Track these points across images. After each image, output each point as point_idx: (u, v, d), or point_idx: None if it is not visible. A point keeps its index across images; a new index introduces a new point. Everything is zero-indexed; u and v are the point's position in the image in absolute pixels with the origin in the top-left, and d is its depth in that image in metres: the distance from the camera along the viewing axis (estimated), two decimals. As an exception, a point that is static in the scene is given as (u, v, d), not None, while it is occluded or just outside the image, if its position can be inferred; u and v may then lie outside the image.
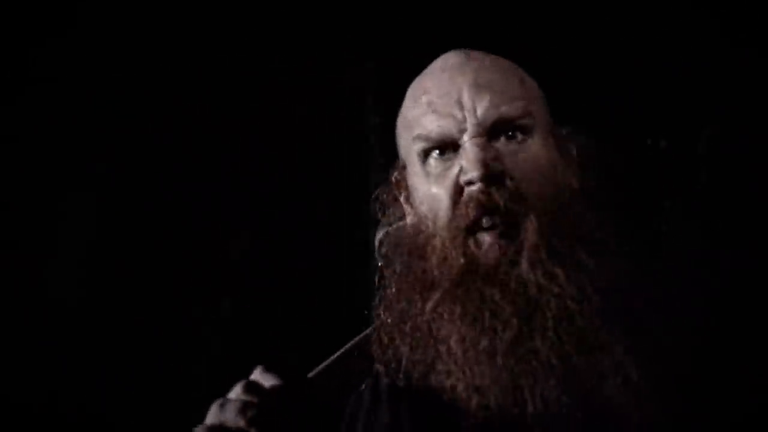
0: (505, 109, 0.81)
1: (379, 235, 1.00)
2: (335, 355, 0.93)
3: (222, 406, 0.81)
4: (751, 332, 0.82)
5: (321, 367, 0.92)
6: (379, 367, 0.84)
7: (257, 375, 0.84)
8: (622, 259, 0.81)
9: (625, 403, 0.73)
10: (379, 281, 0.89)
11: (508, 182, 0.79)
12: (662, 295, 0.81)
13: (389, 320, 0.83)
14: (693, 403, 0.75)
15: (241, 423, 0.79)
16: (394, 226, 0.96)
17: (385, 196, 0.92)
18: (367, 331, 0.91)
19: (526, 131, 0.82)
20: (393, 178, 0.91)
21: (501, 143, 0.81)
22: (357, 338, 0.93)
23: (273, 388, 0.83)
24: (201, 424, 0.83)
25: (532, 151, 0.82)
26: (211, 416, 0.82)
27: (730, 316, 0.83)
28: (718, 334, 0.81)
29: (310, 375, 0.90)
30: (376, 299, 0.88)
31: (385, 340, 0.83)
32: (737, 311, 0.84)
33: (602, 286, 0.76)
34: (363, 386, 0.86)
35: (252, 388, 0.82)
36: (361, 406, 0.84)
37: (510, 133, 0.81)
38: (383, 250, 0.94)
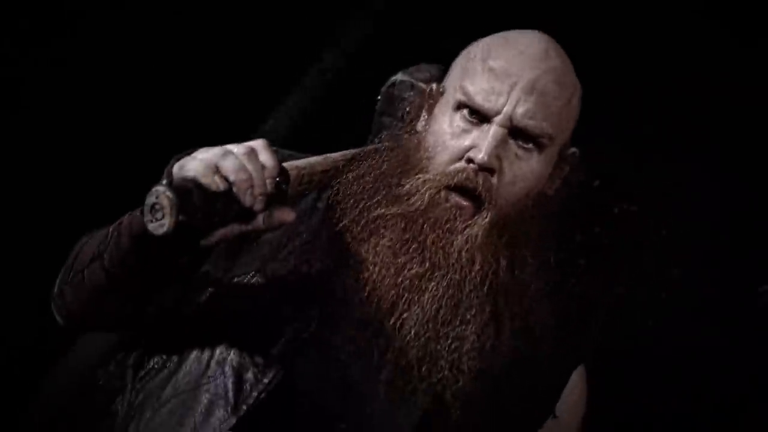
0: (536, 124, 0.92)
1: (398, 77, 1.19)
2: (318, 158, 0.98)
3: (224, 154, 0.80)
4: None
5: (305, 162, 0.95)
6: (332, 193, 0.98)
7: (260, 147, 0.84)
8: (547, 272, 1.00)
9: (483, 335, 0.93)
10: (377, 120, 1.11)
11: (495, 179, 0.92)
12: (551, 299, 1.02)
13: (362, 174, 0.98)
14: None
15: (238, 178, 0.79)
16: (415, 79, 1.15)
17: (428, 88, 1.03)
18: (356, 150, 1.02)
19: (539, 147, 0.94)
20: (430, 90, 1.02)
21: (514, 144, 0.93)
22: (346, 152, 1.02)
23: (269, 167, 0.83)
24: (195, 153, 0.82)
25: (532, 163, 0.94)
26: (209, 155, 0.81)
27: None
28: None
29: (289, 165, 0.91)
30: (374, 129, 1.09)
31: (349, 182, 0.97)
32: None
33: (507, 279, 0.94)
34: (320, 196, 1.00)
35: (253, 155, 0.82)
36: (305, 212, 0.98)
37: (526, 140, 0.93)
38: (398, 91, 1.15)
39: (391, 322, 0.92)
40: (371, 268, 0.93)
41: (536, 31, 0.98)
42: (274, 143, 0.88)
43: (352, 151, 1.02)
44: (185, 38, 2.09)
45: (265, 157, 0.83)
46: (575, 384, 1.21)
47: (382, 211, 0.95)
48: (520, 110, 0.91)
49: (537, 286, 0.99)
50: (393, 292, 0.92)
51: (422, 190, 0.93)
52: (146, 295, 0.92)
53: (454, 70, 1.00)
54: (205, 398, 0.91)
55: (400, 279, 0.92)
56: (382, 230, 0.95)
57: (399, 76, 1.21)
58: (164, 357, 0.98)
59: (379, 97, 1.20)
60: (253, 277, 0.96)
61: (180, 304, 0.96)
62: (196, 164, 0.79)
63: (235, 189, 0.80)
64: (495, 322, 0.95)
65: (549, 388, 1.06)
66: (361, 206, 0.96)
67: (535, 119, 0.92)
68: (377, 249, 0.94)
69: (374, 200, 0.96)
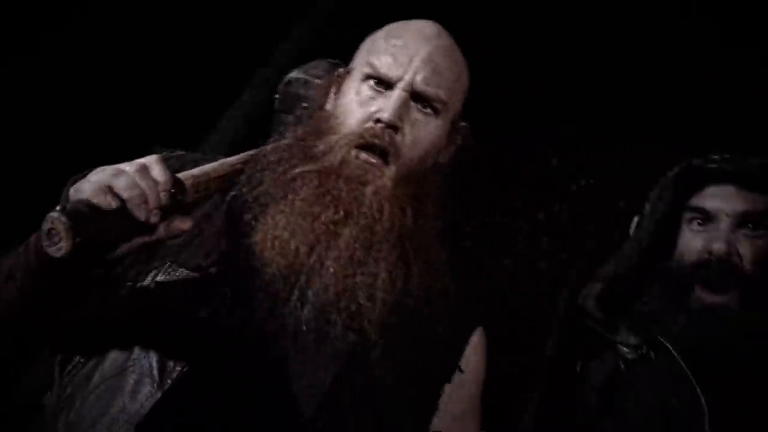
0: (432, 90, 1.08)
1: (292, 75, 1.34)
2: (214, 164, 1.07)
3: (116, 173, 0.88)
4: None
5: (200, 170, 1.03)
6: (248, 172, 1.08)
7: (152, 163, 0.92)
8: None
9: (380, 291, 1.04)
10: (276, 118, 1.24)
11: (400, 136, 1.06)
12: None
13: (278, 145, 1.11)
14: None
15: (130, 195, 0.87)
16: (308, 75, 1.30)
17: (332, 76, 1.19)
18: (252, 151, 1.13)
19: (436, 111, 1.10)
20: (337, 73, 1.17)
21: (415, 107, 1.08)
22: (243, 154, 1.12)
23: (161, 181, 0.90)
24: (89, 174, 0.89)
25: (430, 126, 1.10)
26: (102, 175, 0.88)
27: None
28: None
29: (185, 175, 0.98)
30: (274, 128, 1.20)
31: (267, 153, 1.10)
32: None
33: (410, 229, 1.08)
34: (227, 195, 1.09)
35: (145, 172, 0.90)
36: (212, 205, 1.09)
37: (425, 105, 1.09)
38: (291, 89, 1.30)
39: (311, 262, 1.03)
40: (288, 218, 1.04)
41: (429, 20, 1.16)
42: (222, 144, 1.00)
43: (250, 152, 1.12)
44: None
45: (157, 172, 0.90)
46: (476, 346, 1.32)
47: (299, 170, 1.07)
48: (419, 77, 1.07)
49: (438, 240, 1.14)
50: (311, 236, 1.04)
51: (335, 149, 1.06)
52: (61, 307, 0.97)
53: (360, 52, 1.15)
54: (131, 379, 0.99)
55: (315, 225, 1.04)
56: (298, 188, 1.06)
57: (294, 74, 1.34)
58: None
59: (277, 96, 1.32)
60: (169, 267, 1.04)
61: (99, 304, 1.00)
62: (89, 186, 0.86)
63: (129, 206, 0.87)
64: (404, 263, 1.07)
65: (453, 337, 1.17)
66: (279, 170, 1.08)
67: (431, 85, 1.08)
68: (294, 203, 1.05)
69: (291, 162, 1.08)
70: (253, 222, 1.07)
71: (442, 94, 1.09)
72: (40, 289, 0.92)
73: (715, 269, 1.24)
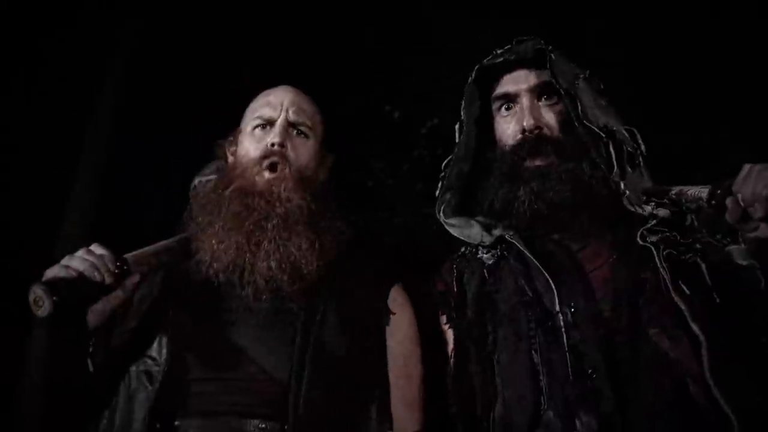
0: (301, 119, 1.60)
1: (196, 181, 1.84)
2: (154, 246, 1.49)
3: (70, 257, 1.33)
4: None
5: (139, 251, 1.45)
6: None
7: (94, 246, 1.36)
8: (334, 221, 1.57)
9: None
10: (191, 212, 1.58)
11: (288, 152, 1.55)
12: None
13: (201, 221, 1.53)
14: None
15: (84, 266, 1.31)
16: (209, 176, 1.78)
17: (224, 142, 1.67)
18: (184, 234, 1.55)
19: (306, 136, 1.61)
20: (229, 139, 1.66)
21: (293, 133, 1.59)
22: (175, 237, 1.55)
23: (105, 255, 1.35)
24: (52, 268, 1.30)
25: (306, 146, 1.60)
26: (62, 260, 1.33)
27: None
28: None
29: (129, 255, 1.41)
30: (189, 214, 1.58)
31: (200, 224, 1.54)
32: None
33: (316, 219, 1.52)
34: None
35: (90, 252, 1.35)
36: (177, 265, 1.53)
37: (299, 132, 1.60)
38: (199, 191, 1.71)
39: (251, 248, 1.46)
40: (224, 226, 1.48)
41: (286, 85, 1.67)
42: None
43: (180, 236, 1.55)
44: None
45: (100, 251, 1.36)
46: (397, 296, 1.53)
47: (228, 192, 1.51)
48: (290, 112, 1.59)
49: (339, 219, 1.58)
50: (244, 231, 1.47)
51: (247, 173, 1.53)
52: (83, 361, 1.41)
53: (245, 117, 1.64)
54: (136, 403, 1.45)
55: (246, 224, 1.47)
56: (226, 205, 1.50)
57: (196, 180, 1.83)
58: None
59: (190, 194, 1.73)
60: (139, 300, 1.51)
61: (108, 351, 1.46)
62: (54, 268, 1.30)
63: (86, 273, 1.31)
64: (317, 236, 1.50)
65: (377, 287, 1.56)
66: (209, 200, 1.55)
67: (300, 117, 1.60)
68: (226, 215, 1.49)
69: (217, 193, 1.54)
70: (201, 241, 1.49)
71: (308, 122, 1.60)
72: (55, 350, 1.44)
73: (531, 141, 1.41)
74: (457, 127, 1.54)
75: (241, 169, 1.54)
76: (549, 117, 1.42)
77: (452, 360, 1.37)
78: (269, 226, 1.47)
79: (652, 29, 4.57)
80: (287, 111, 1.57)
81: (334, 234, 1.54)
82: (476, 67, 1.52)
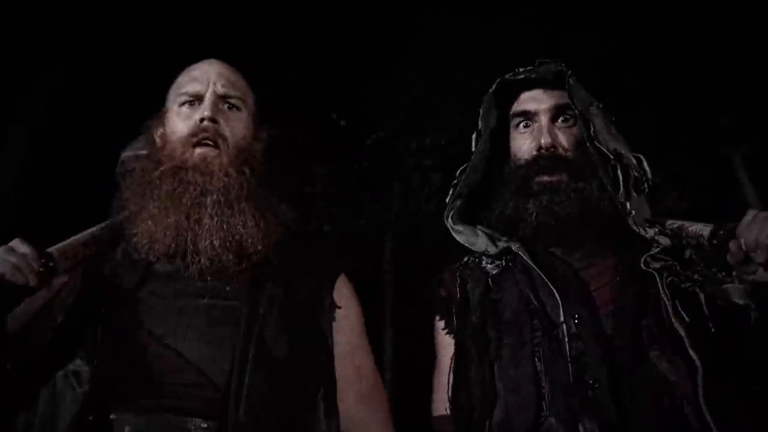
0: (230, 91, 1.49)
1: (123, 155, 1.60)
2: (78, 235, 1.35)
3: None
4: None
5: (65, 243, 1.30)
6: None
7: (14, 243, 1.21)
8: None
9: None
10: (123, 188, 1.46)
11: (221, 125, 1.44)
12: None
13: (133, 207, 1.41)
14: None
15: (5, 268, 1.16)
16: (136, 150, 1.56)
17: (150, 123, 1.52)
18: (110, 220, 1.44)
19: (239, 108, 1.50)
20: (156, 116, 1.50)
21: (224, 107, 1.48)
22: (102, 224, 1.42)
23: (27, 253, 1.19)
24: None
25: (239, 118, 1.49)
26: None
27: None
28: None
29: (53, 248, 1.27)
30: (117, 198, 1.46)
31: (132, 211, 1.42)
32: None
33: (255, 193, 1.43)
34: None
35: (11, 250, 1.20)
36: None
37: (230, 105, 1.49)
38: (127, 166, 1.54)
39: (191, 226, 1.36)
40: (159, 206, 1.37)
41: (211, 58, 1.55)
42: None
43: (107, 222, 1.44)
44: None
45: (23, 248, 1.20)
46: (342, 286, 1.52)
47: (158, 172, 1.40)
48: (218, 86, 1.48)
49: (282, 199, 1.49)
50: (182, 210, 1.37)
51: (178, 152, 1.42)
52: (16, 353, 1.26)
53: (170, 94, 1.51)
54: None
55: (183, 202, 1.37)
56: (158, 185, 1.39)
57: (123, 155, 1.61)
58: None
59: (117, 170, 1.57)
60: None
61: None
62: None
63: (8, 276, 1.16)
64: (260, 213, 1.42)
65: (321, 274, 1.50)
66: (139, 183, 1.42)
67: (228, 88, 1.48)
68: (160, 194, 1.38)
69: (147, 174, 1.42)
70: (135, 226, 1.39)
71: (238, 93, 1.50)
72: None
73: (546, 158, 1.46)
74: (474, 136, 1.57)
75: (170, 149, 1.43)
76: (564, 138, 1.48)
77: (453, 365, 1.37)
78: (208, 201, 1.37)
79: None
80: (215, 84, 1.46)
81: (279, 216, 1.45)
82: (497, 80, 1.56)
